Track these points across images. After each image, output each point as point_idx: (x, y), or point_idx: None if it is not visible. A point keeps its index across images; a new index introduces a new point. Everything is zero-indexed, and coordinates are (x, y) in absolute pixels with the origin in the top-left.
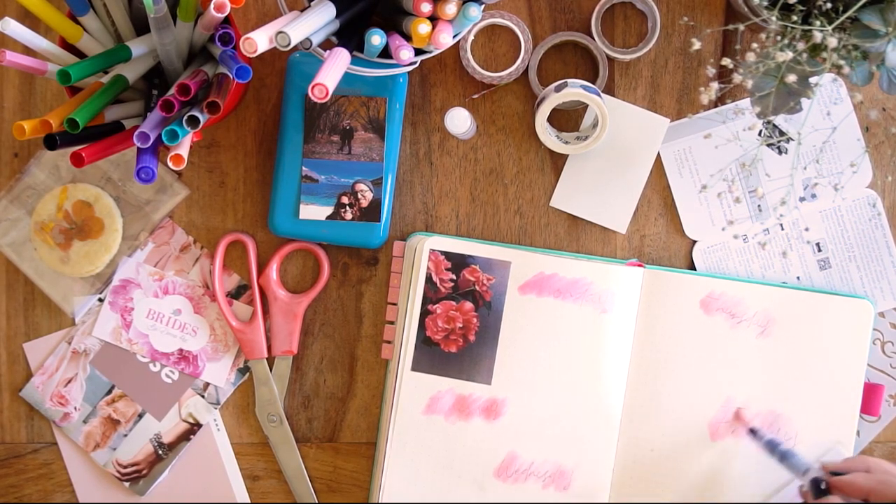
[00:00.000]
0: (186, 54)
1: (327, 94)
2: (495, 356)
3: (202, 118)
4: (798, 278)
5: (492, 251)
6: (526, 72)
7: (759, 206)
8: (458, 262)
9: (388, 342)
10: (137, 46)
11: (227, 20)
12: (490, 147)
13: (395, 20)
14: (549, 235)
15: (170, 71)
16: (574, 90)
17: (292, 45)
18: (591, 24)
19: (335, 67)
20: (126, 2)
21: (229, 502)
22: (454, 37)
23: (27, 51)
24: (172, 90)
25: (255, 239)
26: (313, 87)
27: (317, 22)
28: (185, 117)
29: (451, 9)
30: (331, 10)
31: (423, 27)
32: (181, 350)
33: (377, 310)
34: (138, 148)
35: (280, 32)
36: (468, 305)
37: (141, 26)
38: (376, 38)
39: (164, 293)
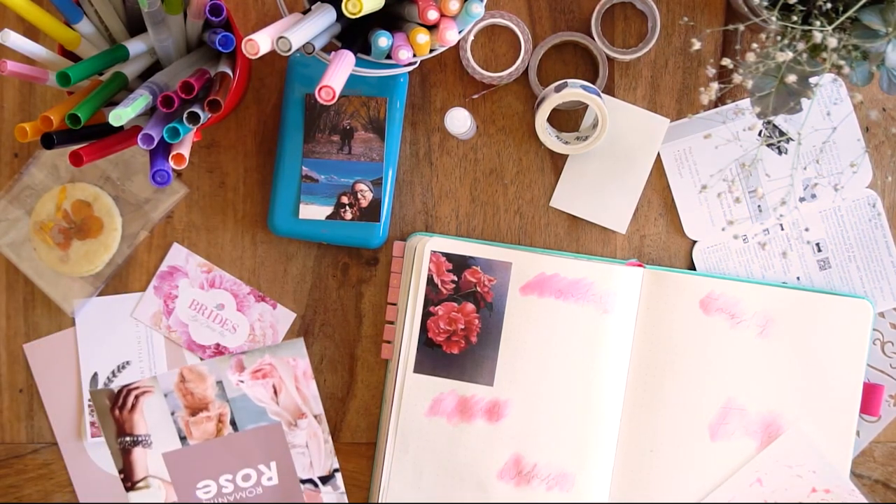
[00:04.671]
0: (185, 51)
1: (334, 96)
2: (497, 357)
3: (203, 115)
4: (798, 278)
5: (493, 252)
6: (526, 72)
7: (759, 206)
8: (460, 264)
9: (388, 342)
10: (134, 45)
11: (227, 22)
12: (490, 147)
13: (396, 24)
14: (549, 235)
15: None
16: (574, 90)
17: (293, 49)
18: (591, 24)
19: (341, 69)
20: (121, 2)
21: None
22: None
23: (27, 60)
24: (175, 87)
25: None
26: (320, 90)
27: (318, 26)
28: (186, 114)
29: (454, 5)
30: (331, 14)
31: (422, 37)
32: (218, 345)
33: (377, 310)
34: (150, 151)
35: (281, 38)
36: (470, 307)
37: (137, 26)
38: (383, 41)
39: (210, 286)
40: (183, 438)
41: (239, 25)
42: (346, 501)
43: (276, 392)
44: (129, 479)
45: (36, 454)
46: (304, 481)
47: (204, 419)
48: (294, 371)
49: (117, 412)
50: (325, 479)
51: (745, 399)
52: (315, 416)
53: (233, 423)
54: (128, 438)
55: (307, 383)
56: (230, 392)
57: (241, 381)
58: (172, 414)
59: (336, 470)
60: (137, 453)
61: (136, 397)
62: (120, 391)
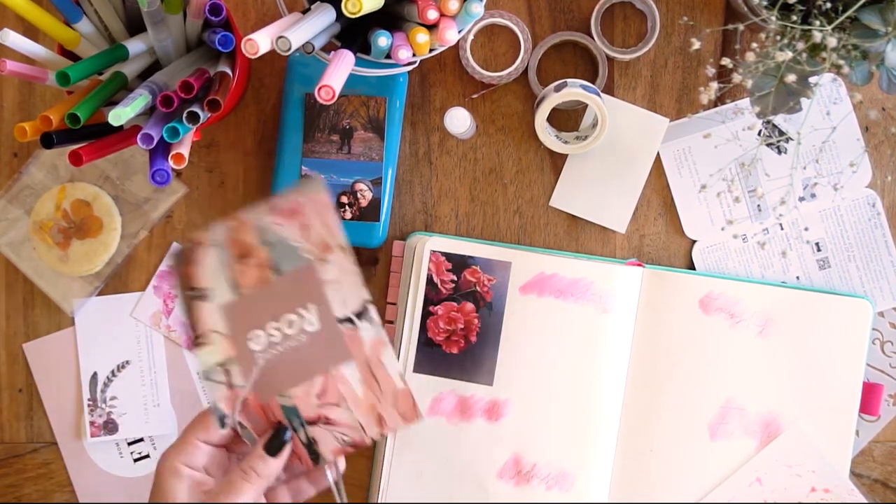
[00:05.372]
0: (184, 50)
1: (334, 95)
2: (497, 357)
3: (202, 115)
4: (797, 278)
5: (492, 252)
6: (525, 72)
7: (758, 205)
8: (459, 263)
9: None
10: (134, 45)
11: (226, 21)
12: (490, 147)
13: (396, 24)
14: (549, 235)
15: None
16: (574, 90)
17: (293, 49)
18: (590, 24)
19: (341, 69)
20: (120, 2)
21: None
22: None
23: (27, 59)
24: (174, 87)
25: None
26: (320, 89)
27: (318, 25)
28: (185, 113)
29: (453, 4)
30: (331, 14)
31: (422, 37)
32: None
33: (377, 309)
34: (150, 151)
35: (281, 37)
36: (469, 306)
37: (137, 26)
38: (383, 40)
39: None
40: (236, 290)
41: (238, 25)
42: (385, 335)
43: (307, 230)
44: (194, 336)
45: (35, 454)
46: (341, 321)
47: (250, 266)
48: (318, 206)
49: (182, 268)
50: (360, 315)
51: (745, 399)
52: (341, 248)
53: (275, 268)
54: (190, 292)
55: (330, 215)
56: (269, 236)
57: (277, 224)
58: (225, 265)
59: (368, 301)
60: (200, 308)
61: (194, 250)
62: (184, 248)
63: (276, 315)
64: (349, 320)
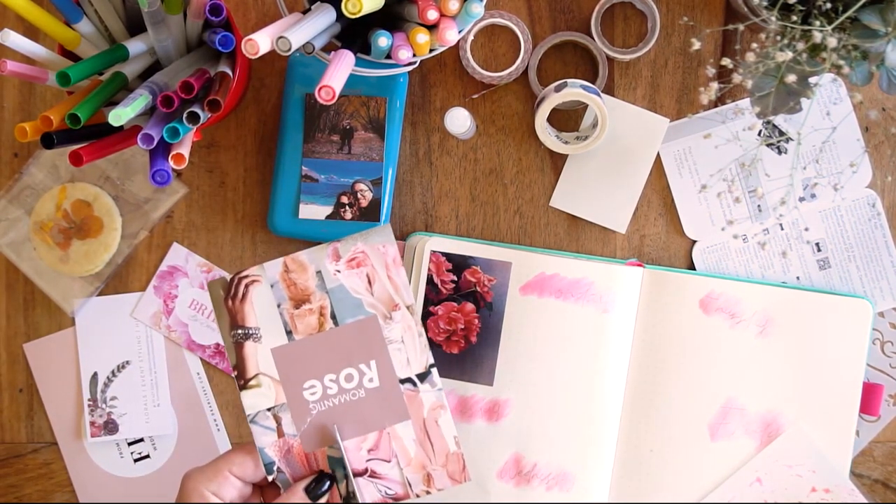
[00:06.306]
0: (185, 50)
1: (334, 95)
2: (497, 357)
3: (202, 115)
4: (797, 278)
5: (493, 252)
6: (526, 72)
7: (758, 206)
8: (460, 263)
9: None
10: (134, 45)
11: (227, 22)
12: (490, 147)
13: (396, 24)
14: (549, 235)
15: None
16: (574, 90)
17: (293, 49)
18: (590, 24)
19: (341, 69)
20: (121, 2)
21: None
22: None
23: (27, 59)
24: (174, 87)
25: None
26: (320, 90)
27: (318, 26)
28: (186, 114)
29: (454, 4)
30: (331, 14)
31: (422, 37)
32: (218, 345)
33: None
34: (150, 151)
35: (281, 37)
36: (469, 306)
37: (137, 26)
38: (383, 40)
39: None
40: (289, 333)
41: (239, 25)
42: (445, 399)
43: (370, 282)
44: (241, 377)
45: (36, 454)
46: (402, 381)
47: (307, 312)
48: (384, 258)
49: (230, 302)
50: (423, 377)
51: (745, 399)
52: (407, 307)
53: (333, 316)
54: (240, 331)
55: (397, 271)
56: (329, 283)
57: (338, 271)
58: (279, 306)
59: (432, 365)
60: (249, 348)
61: (246, 286)
62: (232, 279)
63: (334, 367)
64: (411, 381)
